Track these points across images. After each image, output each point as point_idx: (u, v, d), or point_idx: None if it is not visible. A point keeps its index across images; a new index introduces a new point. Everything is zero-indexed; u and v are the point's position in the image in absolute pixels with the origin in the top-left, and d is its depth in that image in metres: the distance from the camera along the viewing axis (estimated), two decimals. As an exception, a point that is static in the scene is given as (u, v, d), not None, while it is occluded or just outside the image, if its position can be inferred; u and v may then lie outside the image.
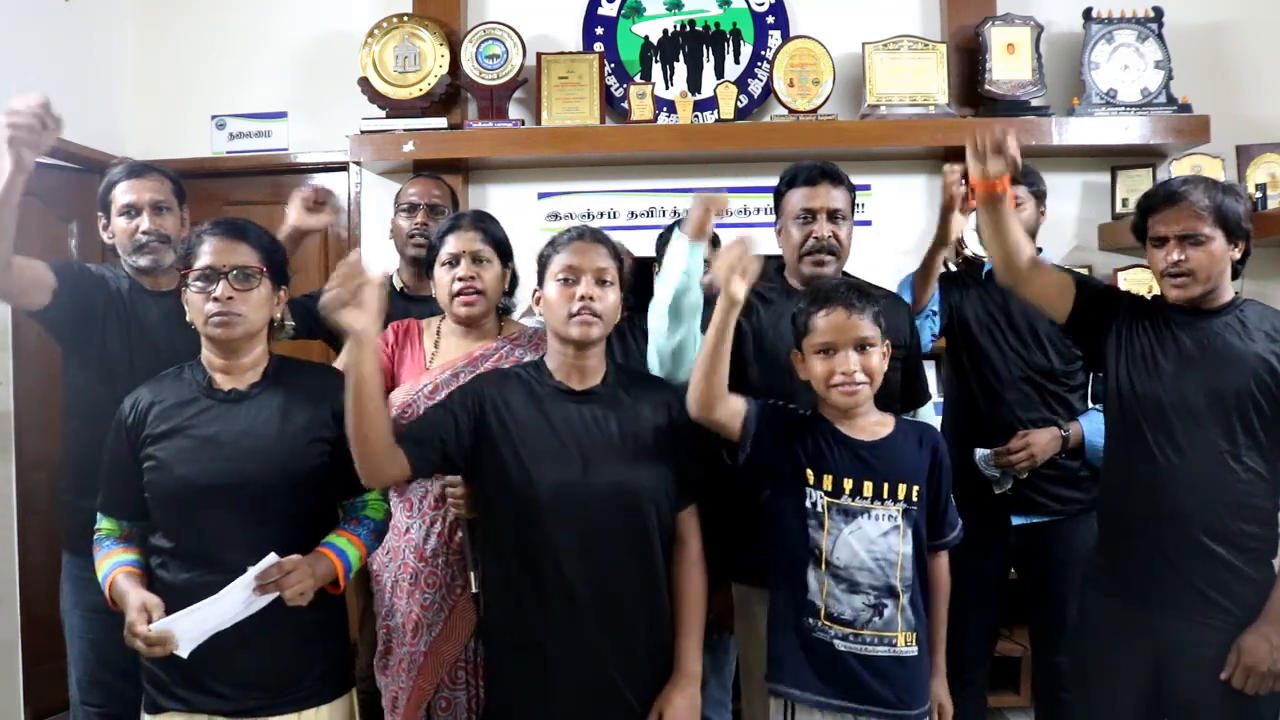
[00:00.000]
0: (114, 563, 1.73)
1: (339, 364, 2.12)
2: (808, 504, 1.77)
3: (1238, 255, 1.91)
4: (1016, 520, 2.50)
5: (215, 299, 1.69)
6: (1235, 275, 1.95)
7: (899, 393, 2.15)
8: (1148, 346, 1.94)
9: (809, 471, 1.76)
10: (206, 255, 1.72)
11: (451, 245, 2.05)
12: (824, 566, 1.75)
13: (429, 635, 1.97)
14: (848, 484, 1.75)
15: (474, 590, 1.95)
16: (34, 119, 1.84)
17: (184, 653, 1.61)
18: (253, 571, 1.61)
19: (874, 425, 1.81)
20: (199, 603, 1.61)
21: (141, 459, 1.72)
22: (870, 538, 1.74)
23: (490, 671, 1.87)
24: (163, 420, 1.73)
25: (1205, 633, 1.84)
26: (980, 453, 2.48)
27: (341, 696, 1.79)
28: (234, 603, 1.61)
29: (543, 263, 1.84)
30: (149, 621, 1.60)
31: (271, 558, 1.62)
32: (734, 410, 1.79)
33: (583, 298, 1.75)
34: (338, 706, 1.78)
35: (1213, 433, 1.85)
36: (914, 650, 1.76)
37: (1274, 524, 1.88)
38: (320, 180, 3.82)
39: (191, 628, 1.61)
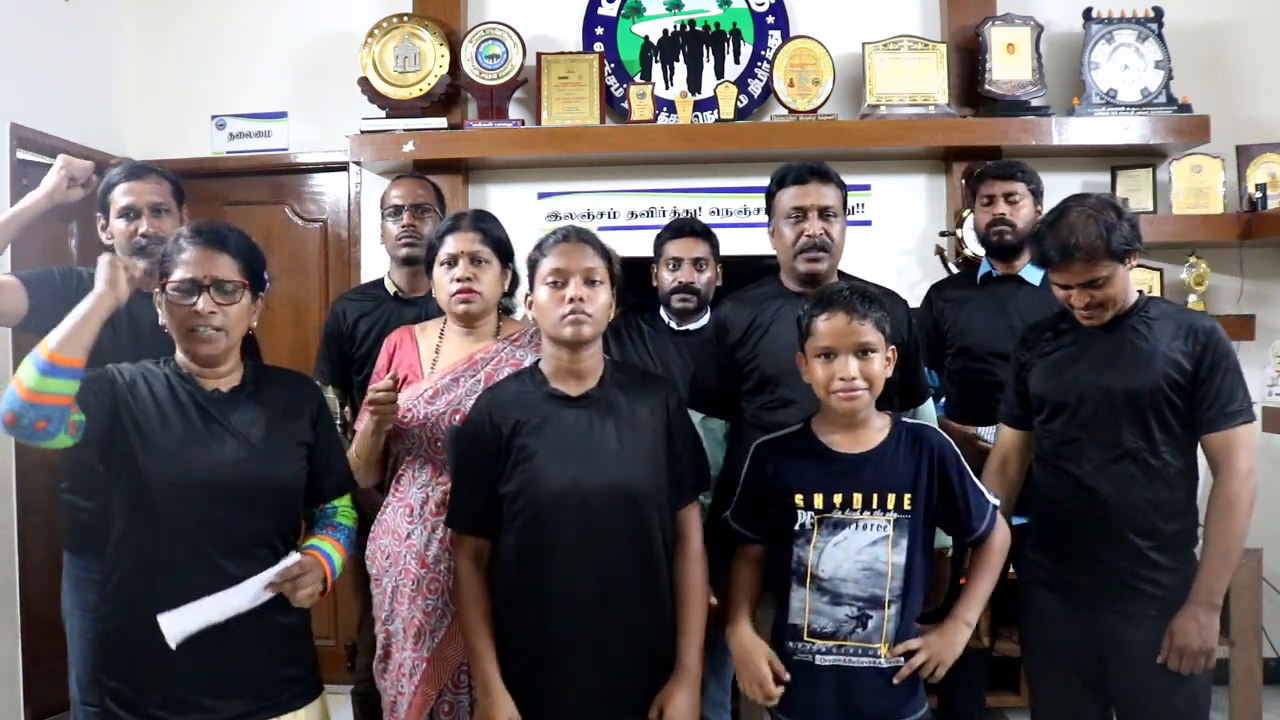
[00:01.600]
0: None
1: (356, 447, 2.06)
2: (795, 527, 1.76)
3: (1134, 264, 1.97)
4: (1016, 520, 2.50)
5: (196, 312, 1.66)
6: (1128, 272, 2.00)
7: (897, 390, 2.15)
8: (1062, 359, 2.01)
9: (797, 496, 1.76)
10: (186, 266, 1.67)
11: (450, 245, 2.04)
12: (808, 582, 1.75)
13: (431, 641, 1.95)
14: (837, 498, 1.74)
15: None
16: (83, 173, 2.12)
17: (174, 644, 1.57)
18: (277, 569, 1.59)
19: (871, 434, 1.80)
20: (207, 598, 1.59)
21: (119, 417, 1.65)
22: (857, 548, 1.73)
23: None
24: (150, 405, 1.67)
25: (1139, 621, 1.91)
26: (983, 431, 2.48)
27: (316, 699, 1.77)
28: (243, 598, 1.60)
29: (532, 267, 1.85)
30: None
31: (294, 557, 1.60)
32: (753, 557, 1.87)
33: (572, 299, 1.75)
34: (313, 709, 1.76)
35: (1129, 431, 1.91)
36: (900, 662, 1.74)
37: (1193, 514, 1.96)
38: (320, 180, 3.85)
39: (190, 619, 1.58)
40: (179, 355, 1.74)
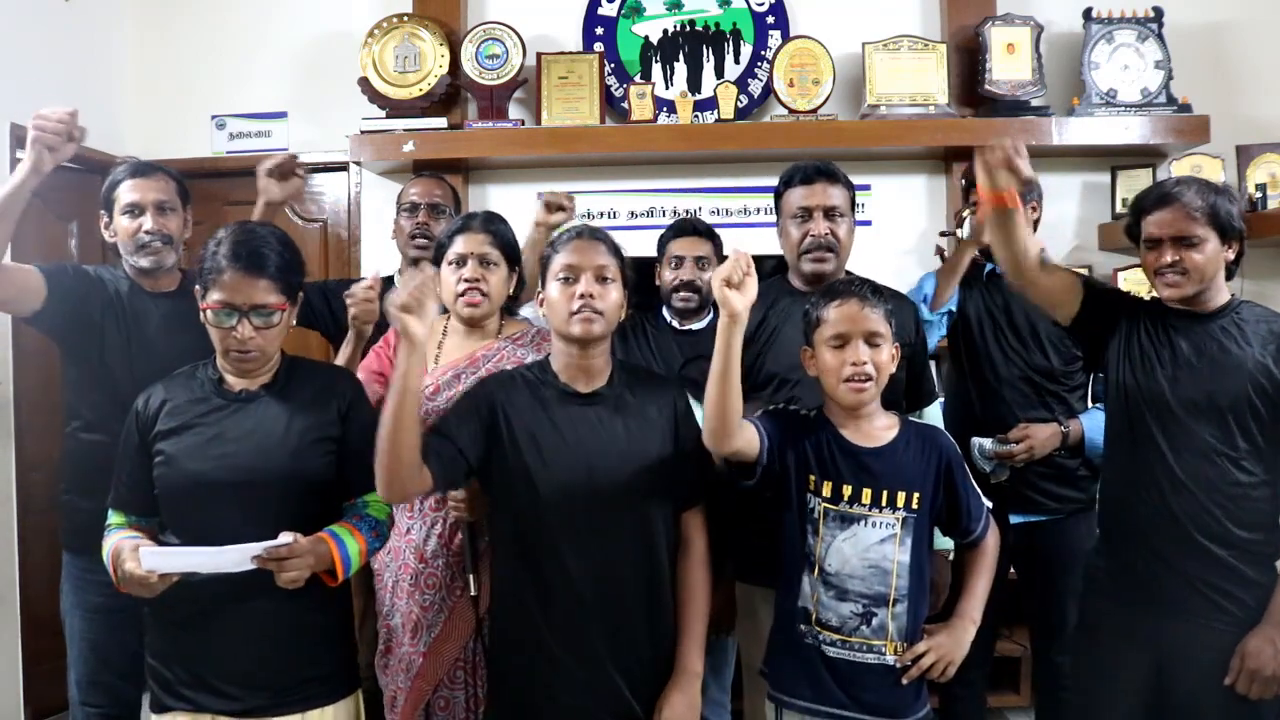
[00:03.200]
0: (118, 538, 1.71)
1: (340, 359, 2.13)
2: (807, 509, 1.76)
3: (1232, 256, 1.91)
4: (1015, 519, 2.50)
5: (235, 336, 1.70)
6: (1230, 276, 1.94)
7: (904, 391, 2.15)
8: (1147, 348, 1.94)
9: (812, 477, 1.76)
10: (224, 290, 1.69)
11: (460, 246, 2.05)
12: (816, 572, 1.75)
13: (428, 636, 1.97)
14: (847, 490, 1.74)
15: (473, 593, 1.95)
16: (61, 126, 1.84)
17: (144, 568, 1.58)
18: (263, 544, 1.60)
19: (879, 430, 1.80)
20: (196, 549, 1.61)
21: (152, 454, 1.73)
22: (866, 545, 1.73)
23: (492, 671, 1.88)
24: (173, 417, 1.73)
25: (1206, 635, 1.84)
26: (978, 442, 2.48)
27: (347, 697, 1.80)
28: (225, 561, 1.60)
29: (544, 263, 1.85)
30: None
31: (286, 537, 1.62)
32: (749, 436, 1.73)
33: (583, 295, 1.75)
34: (343, 707, 1.78)
35: (1210, 436, 1.85)
36: (907, 662, 1.74)
37: (1274, 527, 1.88)
38: (320, 180, 3.85)
39: (171, 561, 1.61)
40: (217, 358, 1.78)
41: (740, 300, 1.58)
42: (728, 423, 1.65)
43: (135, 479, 1.74)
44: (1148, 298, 2.07)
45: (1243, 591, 1.84)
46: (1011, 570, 2.60)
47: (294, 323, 1.82)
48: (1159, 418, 1.89)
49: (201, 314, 1.73)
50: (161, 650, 1.74)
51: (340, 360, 2.13)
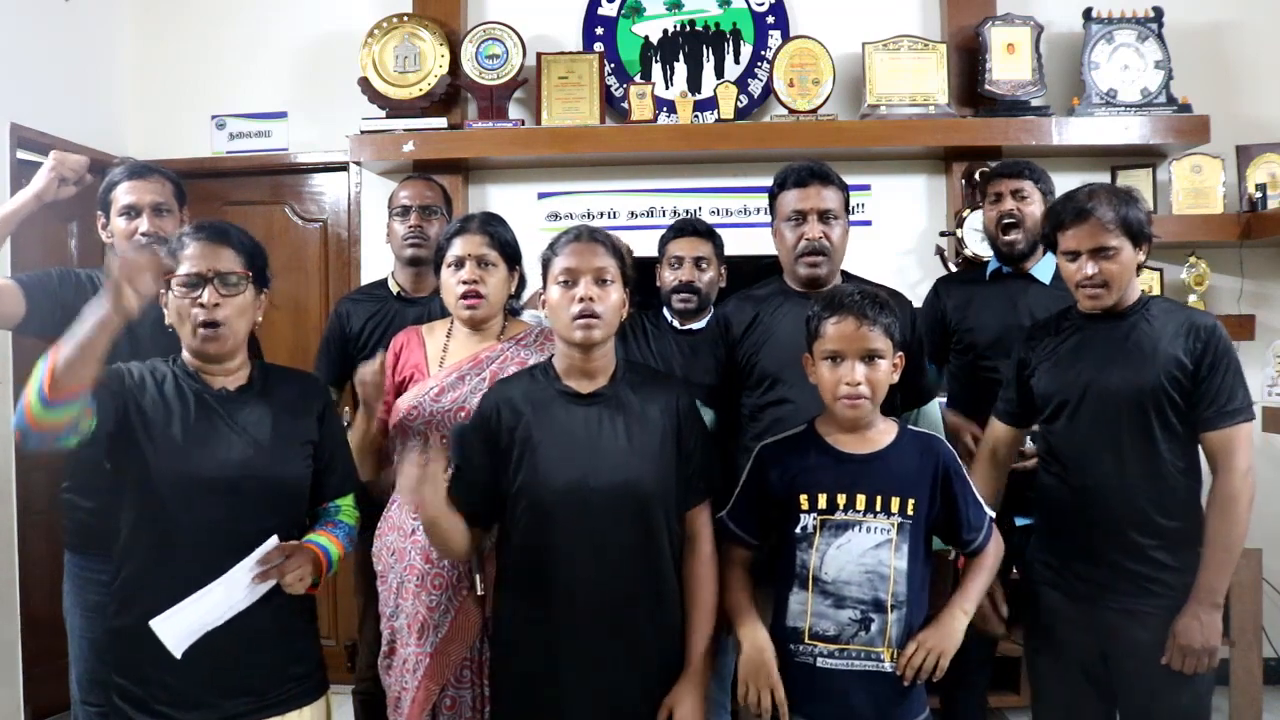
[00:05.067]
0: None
1: (354, 433, 2.10)
2: (797, 530, 1.76)
3: (1143, 258, 1.99)
4: (1020, 521, 2.50)
5: (201, 305, 1.67)
6: (1138, 273, 2.03)
7: (900, 390, 2.14)
8: (1064, 354, 2.02)
9: (802, 497, 1.76)
10: (190, 260, 1.69)
11: (458, 248, 2.05)
12: (810, 585, 1.74)
13: (434, 636, 1.96)
14: (840, 499, 1.74)
15: (480, 593, 1.95)
16: (77, 172, 2.07)
17: (178, 653, 1.58)
18: (255, 556, 1.58)
19: (874, 436, 1.80)
20: (192, 597, 1.58)
21: (126, 417, 1.66)
22: (860, 550, 1.73)
23: (496, 671, 1.88)
24: (155, 406, 1.68)
25: (1142, 620, 1.91)
26: None
27: (320, 698, 1.78)
28: (232, 592, 1.59)
29: (545, 265, 1.85)
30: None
31: (273, 541, 1.60)
32: (745, 560, 1.87)
33: (582, 299, 1.75)
34: (318, 707, 1.77)
35: (1132, 428, 1.92)
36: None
37: (1197, 513, 1.95)
38: (320, 180, 3.85)
39: (187, 625, 1.59)
40: (185, 354, 1.75)
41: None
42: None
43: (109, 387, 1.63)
44: (1054, 313, 2.14)
45: (1171, 577, 1.91)
46: (1014, 570, 2.59)
47: (259, 318, 1.79)
48: (1078, 415, 1.97)
49: (165, 298, 1.69)
50: (130, 666, 1.65)
51: (355, 433, 2.10)
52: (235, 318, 1.70)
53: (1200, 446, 1.95)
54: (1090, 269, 1.94)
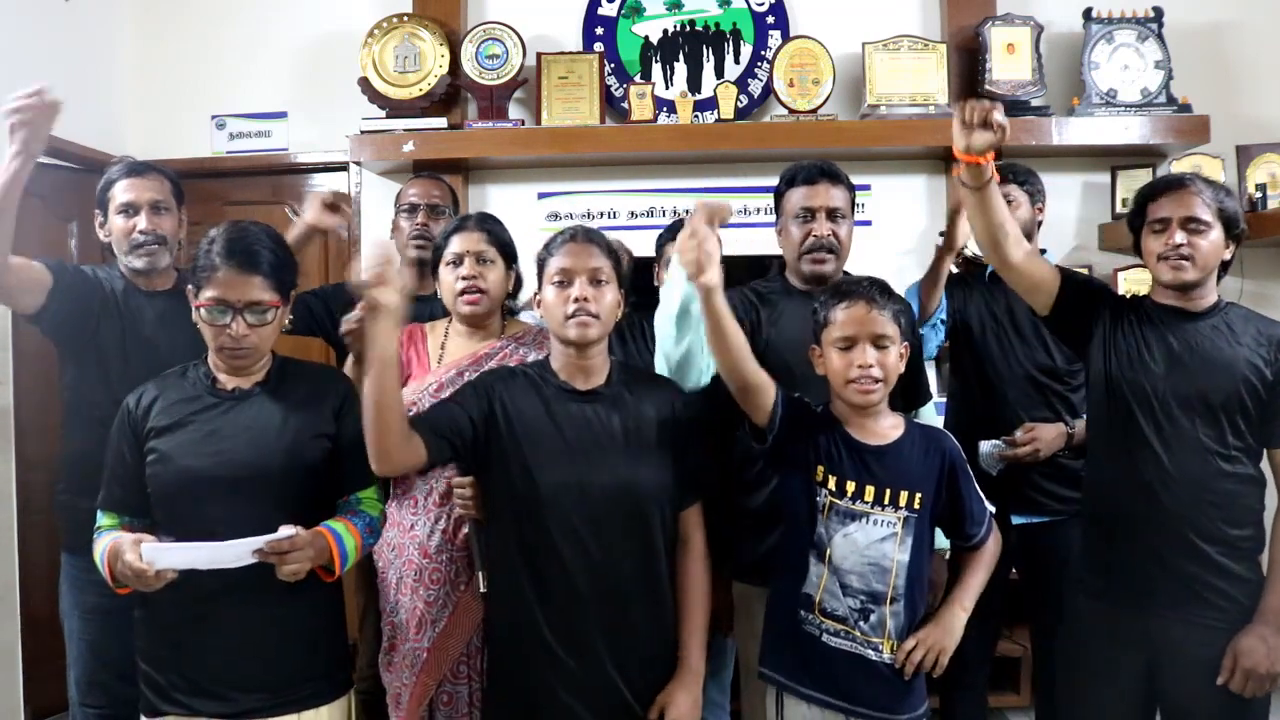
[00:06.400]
0: (110, 538, 1.69)
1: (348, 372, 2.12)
2: (818, 499, 1.76)
3: (1228, 256, 1.93)
4: (1017, 520, 2.50)
5: (229, 334, 1.70)
6: (1219, 280, 1.96)
7: (899, 392, 2.14)
8: (1135, 345, 1.94)
9: (820, 468, 1.76)
10: (218, 287, 1.69)
11: (456, 245, 2.07)
12: (826, 561, 1.75)
13: (432, 631, 1.98)
14: (850, 486, 1.75)
15: (483, 590, 1.94)
16: (34, 99, 1.82)
17: (145, 560, 1.57)
18: (265, 538, 1.59)
19: (885, 429, 1.80)
20: (197, 544, 1.59)
21: (144, 453, 1.72)
22: (865, 542, 1.73)
23: (492, 668, 1.88)
24: (166, 415, 1.73)
25: (1198, 632, 1.85)
26: (985, 448, 2.48)
27: (340, 698, 1.80)
28: (226, 556, 1.59)
29: (540, 266, 1.85)
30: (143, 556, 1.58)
31: (287, 529, 1.61)
32: (765, 383, 1.76)
33: (577, 299, 1.76)
34: (337, 707, 1.79)
35: (1201, 433, 1.87)
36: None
37: (1260, 524, 1.90)
38: (320, 180, 3.85)
39: (169, 560, 1.59)
40: (209, 356, 1.78)
41: (713, 274, 1.65)
42: (734, 364, 1.72)
43: (127, 478, 1.74)
44: (1130, 297, 2.06)
45: (1234, 588, 1.85)
46: (1013, 570, 2.60)
47: (287, 322, 1.82)
48: (1150, 414, 1.90)
49: (195, 312, 1.73)
50: (154, 654, 1.72)
51: (349, 373, 2.12)
52: (262, 343, 1.74)
53: (1268, 460, 1.91)
54: (1179, 237, 1.86)
